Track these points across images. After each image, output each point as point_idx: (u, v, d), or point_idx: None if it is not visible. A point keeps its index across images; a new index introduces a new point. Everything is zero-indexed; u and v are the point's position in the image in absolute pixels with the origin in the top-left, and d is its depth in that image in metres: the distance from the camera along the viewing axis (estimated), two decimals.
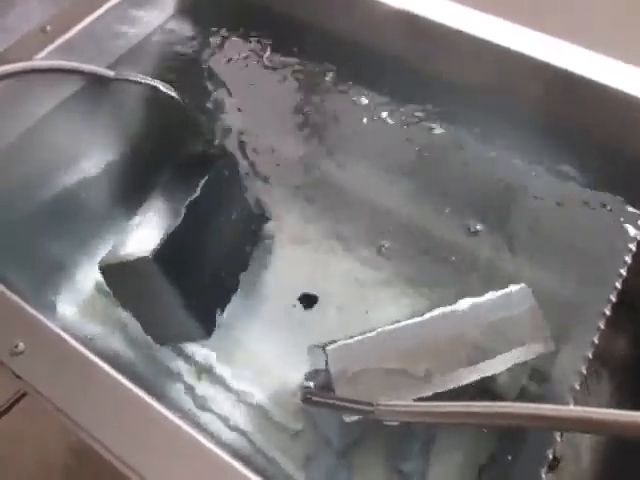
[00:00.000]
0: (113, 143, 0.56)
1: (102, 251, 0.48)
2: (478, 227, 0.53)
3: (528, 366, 0.44)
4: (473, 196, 0.53)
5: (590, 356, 0.37)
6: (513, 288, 0.44)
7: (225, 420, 0.46)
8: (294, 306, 0.51)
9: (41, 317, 0.37)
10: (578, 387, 0.36)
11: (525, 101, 0.49)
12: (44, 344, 0.37)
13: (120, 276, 0.45)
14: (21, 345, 0.36)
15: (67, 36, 0.52)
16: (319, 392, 0.42)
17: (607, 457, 0.45)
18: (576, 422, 0.29)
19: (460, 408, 0.32)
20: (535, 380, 0.43)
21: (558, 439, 0.35)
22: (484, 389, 0.43)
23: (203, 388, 0.48)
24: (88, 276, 0.53)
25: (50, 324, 0.37)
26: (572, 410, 0.29)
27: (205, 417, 0.46)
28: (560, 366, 0.40)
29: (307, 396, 0.42)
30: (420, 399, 0.40)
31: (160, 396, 0.35)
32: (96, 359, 0.35)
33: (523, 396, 0.43)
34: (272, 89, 0.60)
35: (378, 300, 0.51)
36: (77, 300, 0.53)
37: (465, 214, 0.53)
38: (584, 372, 0.37)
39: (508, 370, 0.42)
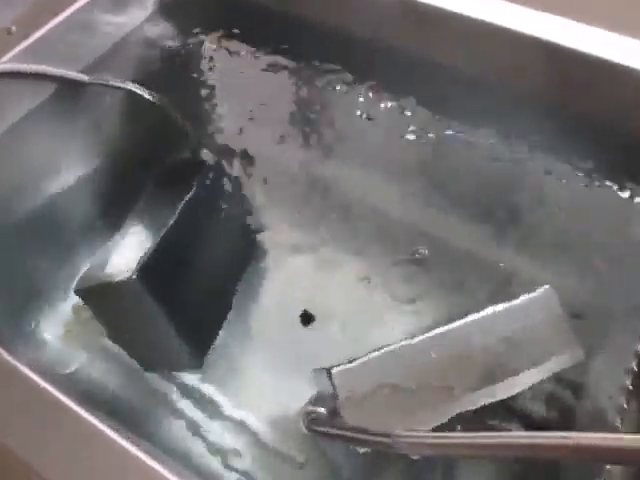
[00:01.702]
0: (90, 153, 0.53)
1: (81, 271, 0.46)
2: (496, 231, 0.50)
3: (555, 379, 0.40)
4: (489, 198, 0.51)
5: (635, 368, 0.34)
6: (536, 291, 0.42)
7: (221, 451, 0.44)
8: (293, 324, 0.49)
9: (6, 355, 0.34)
10: (626, 405, 0.32)
11: (540, 92, 0.46)
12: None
13: (101, 299, 0.43)
14: None
15: (36, 37, 0.49)
16: (326, 420, 0.39)
17: None
18: (621, 452, 0.24)
19: (488, 440, 0.28)
20: (571, 398, 0.39)
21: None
22: (507, 408, 0.40)
23: (196, 416, 0.45)
24: (67, 298, 0.51)
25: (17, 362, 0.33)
26: (618, 438, 0.25)
27: (199, 448, 0.44)
28: (599, 381, 0.37)
29: (313, 426, 0.39)
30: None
31: (150, 425, 0.31)
32: (68, 400, 0.31)
33: (557, 416, 0.40)
34: (259, 90, 0.58)
35: (383, 316, 0.49)
36: (55, 323, 0.50)
37: (481, 218, 0.51)
38: (630, 387, 0.33)
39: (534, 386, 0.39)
